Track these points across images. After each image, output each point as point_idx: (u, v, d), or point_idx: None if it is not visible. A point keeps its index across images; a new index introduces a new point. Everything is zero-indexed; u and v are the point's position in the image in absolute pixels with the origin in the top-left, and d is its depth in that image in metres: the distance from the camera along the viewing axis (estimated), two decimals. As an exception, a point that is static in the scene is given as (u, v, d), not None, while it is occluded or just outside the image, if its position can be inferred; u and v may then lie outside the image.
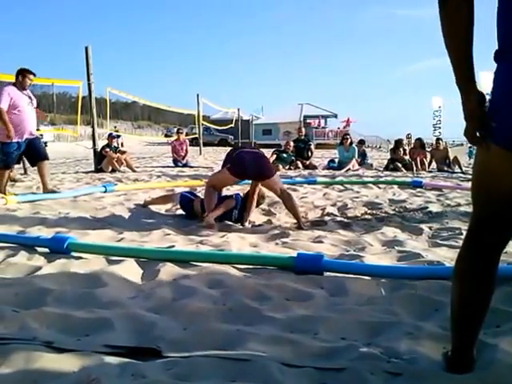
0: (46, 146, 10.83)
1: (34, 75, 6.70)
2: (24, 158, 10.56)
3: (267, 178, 4.75)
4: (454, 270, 1.65)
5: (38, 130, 11.29)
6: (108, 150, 11.68)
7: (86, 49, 11.25)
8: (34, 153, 6.83)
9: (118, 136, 13.08)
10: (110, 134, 12.66)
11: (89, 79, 11.34)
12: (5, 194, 6.34)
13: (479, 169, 1.56)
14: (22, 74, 6.55)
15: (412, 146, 14.42)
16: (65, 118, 49.16)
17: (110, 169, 11.46)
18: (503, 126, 1.41)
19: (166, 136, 43.07)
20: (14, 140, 6.37)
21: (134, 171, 11.60)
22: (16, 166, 10.00)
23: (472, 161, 12.70)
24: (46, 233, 4.02)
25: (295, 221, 4.83)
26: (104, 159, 11.53)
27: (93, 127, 11.91)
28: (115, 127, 20.66)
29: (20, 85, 6.53)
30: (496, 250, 1.57)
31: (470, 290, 1.61)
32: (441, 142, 13.77)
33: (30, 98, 6.68)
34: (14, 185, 8.44)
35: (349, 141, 13.23)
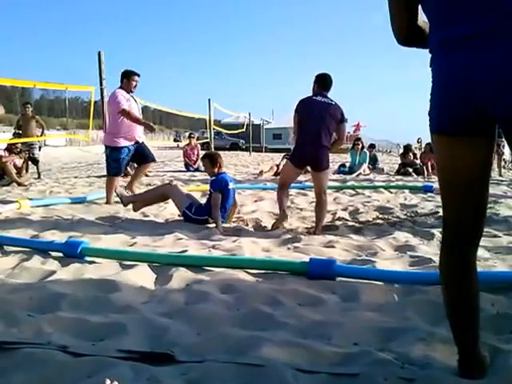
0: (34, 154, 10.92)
1: (139, 75, 6.38)
2: (37, 162, 10.78)
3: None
4: (438, 272, 1.69)
5: (42, 135, 11.47)
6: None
7: (99, 54, 11.32)
8: (143, 156, 6.51)
9: None
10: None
11: (101, 84, 11.40)
12: (109, 202, 6.32)
13: (439, 165, 1.63)
14: (127, 76, 6.27)
15: (423, 150, 14.34)
16: (77, 123, 49.62)
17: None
18: (434, 113, 1.54)
19: (175, 141, 43.11)
20: (125, 144, 6.13)
21: (146, 175, 11.63)
22: (30, 171, 10.16)
23: None
24: (60, 237, 4.05)
25: (307, 225, 4.84)
26: (116, 163, 11.57)
27: (105, 133, 11.98)
28: None
29: (127, 87, 6.26)
30: (466, 248, 1.61)
31: (452, 292, 1.65)
32: None
33: (135, 100, 6.42)
34: (27, 189, 8.53)
35: (360, 145, 13.20)
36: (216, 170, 5.12)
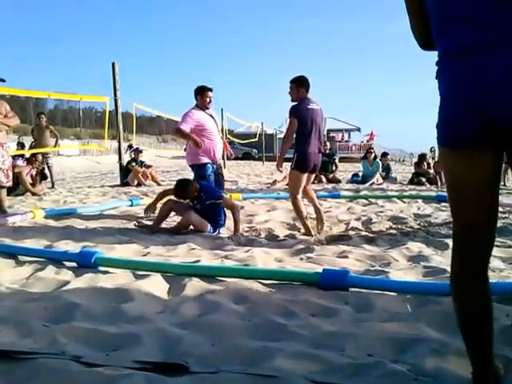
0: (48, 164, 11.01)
1: (211, 90, 5.89)
2: (51, 172, 10.90)
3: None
4: (450, 286, 1.66)
5: (56, 144, 11.51)
6: (134, 164, 11.85)
7: (113, 65, 11.45)
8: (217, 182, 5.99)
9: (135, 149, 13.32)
10: (137, 149, 12.83)
11: (115, 95, 11.52)
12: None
13: (446, 178, 1.62)
14: (200, 93, 5.82)
15: (436, 159, 14.25)
16: (90, 133, 50.10)
17: (136, 183, 11.61)
18: (440, 125, 1.53)
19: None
20: (207, 161, 5.73)
21: (159, 185, 11.73)
22: (44, 181, 10.26)
23: None
24: (73, 247, 4.09)
25: (319, 235, 4.90)
26: (130, 173, 11.70)
27: (119, 142, 12.09)
28: (129, 141, 21.08)
29: (201, 105, 5.82)
30: (478, 259, 1.58)
31: (465, 304, 1.61)
32: None
33: (213, 117, 5.96)
34: (41, 198, 8.62)
35: (373, 155, 13.18)
36: (195, 193, 5.22)
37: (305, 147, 5.06)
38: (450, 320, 2.37)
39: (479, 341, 1.61)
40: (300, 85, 5.11)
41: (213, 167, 5.79)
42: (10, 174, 6.46)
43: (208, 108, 5.87)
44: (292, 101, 5.16)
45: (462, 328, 1.63)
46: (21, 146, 20.65)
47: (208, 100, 5.82)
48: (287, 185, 6.14)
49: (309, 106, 5.04)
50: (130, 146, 13.14)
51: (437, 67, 1.55)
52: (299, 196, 5.21)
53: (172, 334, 2.23)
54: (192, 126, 5.60)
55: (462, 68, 1.44)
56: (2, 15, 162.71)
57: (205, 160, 5.72)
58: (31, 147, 11.46)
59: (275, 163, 6.06)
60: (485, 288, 1.59)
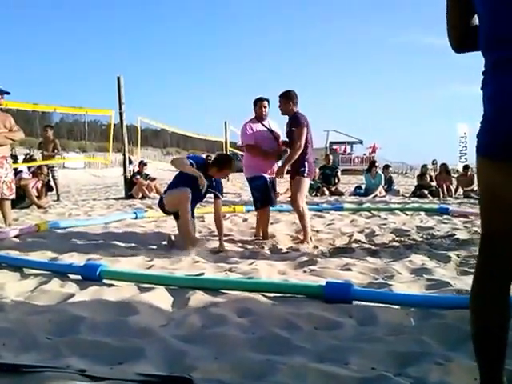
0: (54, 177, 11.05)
1: (267, 100, 5.74)
2: (56, 184, 10.96)
3: None
4: (470, 297, 1.64)
5: (54, 157, 11.47)
6: (138, 177, 11.90)
7: (119, 79, 11.54)
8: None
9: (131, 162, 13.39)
10: (141, 162, 12.90)
11: (120, 108, 11.61)
12: (266, 237, 5.64)
13: (481, 188, 1.58)
14: (255, 104, 5.74)
15: (438, 171, 14.30)
16: (95, 146, 50.39)
17: (140, 195, 11.65)
18: (487, 135, 1.48)
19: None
20: (262, 174, 5.58)
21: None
22: (49, 193, 10.32)
23: None
24: (78, 259, 4.11)
25: (323, 248, 4.93)
26: (134, 186, 11.74)
27: (124, 155, 12.17)
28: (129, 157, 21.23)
29: (258, 116, 5.71)
30: (504, 271, 1.55)
31: (483, 315, 1.59)
32: (468, 169, 13.66)
33: (268, 128, 5.72)
34: (46, 211, 8.66)
35: (377, 168, 13.27)
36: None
37: (309, 156, 5.36)
38: (453, 333, 2.40)
39: (492, 354, 1.60)
40: (289, 98, 5.30)
41: (267, 179, 5.59)
42: (14, 186, 6.49)
43: (264, 119, 5.70)
44: (283, 114, 5.38)
45: (476, 340, 1.62)
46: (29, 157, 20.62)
47: (262, 111, 5.66)
48: (290, 197, 6.11)
49: (306, 118, 5.35)
50: (130, 161, 13.18)
51: (483, 77, 1.51)
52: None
53: (176, 347, 2.24)
54: (253, 138, 5.58)
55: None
56: (7, 27, 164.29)
57: (259, 173, 5.61)
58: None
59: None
60: (506, 301, 1.57)
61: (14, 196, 6.56)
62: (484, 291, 1.58)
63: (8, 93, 6.19)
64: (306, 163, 5.31)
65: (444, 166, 13.88)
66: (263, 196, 5.62)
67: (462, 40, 1.62)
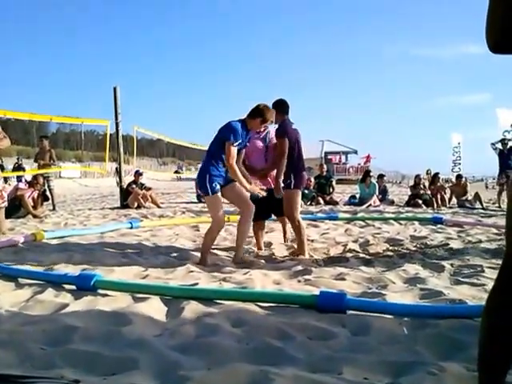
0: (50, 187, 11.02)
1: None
2: (52, 194, 10.94)
3: None
4: (485, 305, 1.60)
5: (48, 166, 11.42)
6: (134, 186, 11.90)
7: (115, 89, 11.58)
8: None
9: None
10: (137, 172, 12.91)
11: (117, 118, 11.64)
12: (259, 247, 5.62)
13: (509, 205, 1.54)
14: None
15: (431, 181, 14.40)
16: (91, 155, 50.39)
17: (136, 205, 11.65)
18: None
19: (176, 172, 43.09)
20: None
21: (159, 207, 11.77)
22: (45, 203, 10.31)
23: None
24: (73, 269, 4.11)
25: (317, 257, 4.96)
26: (130, 195, 11.74)
27: (119, 165, 12.20)
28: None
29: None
30: None
31: (497, 326, 1.56)
32: (461, 178, 13.73)
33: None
34: (42, 221, 8.65)
35: (371, 178, 13.37)
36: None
37: (300, 166, 5.22)
38: (446, 343, 2.41)
39: (498, 365, 1.58)
40: (279, 108, 5.19)
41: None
42: (5, 194, 6.45)
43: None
44: (275, 123, 5.25)
45: (484, 349, 1.59)
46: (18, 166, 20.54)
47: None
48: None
49: (293, 126, 5.22)
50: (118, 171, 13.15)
51: None
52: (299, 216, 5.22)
53: (170, 358, 2.24)
54: None
55: None
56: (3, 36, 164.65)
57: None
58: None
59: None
60: None
61: (6, 204, 6.53)
62: (501, 311, 1.54)
63: None
64: (292, 174, 5.11)
65: (437, 175, 13.97)
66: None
67: (503, 40, 1.40)
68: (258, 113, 4.78)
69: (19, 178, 15.99)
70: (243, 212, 4.97)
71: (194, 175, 14.77)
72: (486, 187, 29.29)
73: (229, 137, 4.58)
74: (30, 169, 11.88)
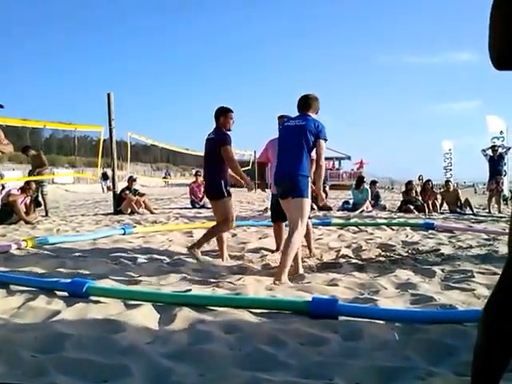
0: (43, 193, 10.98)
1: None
2: (45, 200, 10.90)
3: None
4: (484, 310, 1.59)
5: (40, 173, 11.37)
6: (127, 192, 11.88)
7: (109, 95, 11.58)
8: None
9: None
10: (130, 177, 12.89)
11: (110, 124, 11.63)
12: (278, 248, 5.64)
13: None
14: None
15: (422, 187, 14.48)
16: (85, 161, 50.25)
17: (129, 211, 11.62)
18: None
19: (164, 178, 42.92)
20: (274, 192, 5.45)
21: (152, 213, 11.75)
22: (38, 209, 10.27)
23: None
24: (65, 276, 4.10)
25: (311, 263, 4.97)
26: (123, 201, 11.72)
27: (113, 170, 12.16)
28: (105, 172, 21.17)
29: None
30: None
31: (495, 332, 1.54)
32: (450, 184, 13.82)
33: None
34: (35, 227, 8.61)
35: (364, 184, 13.45)
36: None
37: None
38: (436, 348, 2.43)
39: (494, 371, 1.56)
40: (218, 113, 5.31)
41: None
42: None
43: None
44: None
45: (480, 355, 1.58)
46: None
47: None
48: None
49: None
50: (105, 175, 13.09)
51: None
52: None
53: (162, 365, 2.24)
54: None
55: None
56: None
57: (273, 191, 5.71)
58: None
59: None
60: None
61: None
62: (501, 311, 1.53)
63: (2, 106, 6.07)
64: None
65: (428, 182, 14.04)
66: (272, 212, 5.87)
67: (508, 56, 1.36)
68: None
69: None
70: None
71: (182, 181, 14.75)
72: (475, 192, 29.53)
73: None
74: (22, 176, 11.78)
